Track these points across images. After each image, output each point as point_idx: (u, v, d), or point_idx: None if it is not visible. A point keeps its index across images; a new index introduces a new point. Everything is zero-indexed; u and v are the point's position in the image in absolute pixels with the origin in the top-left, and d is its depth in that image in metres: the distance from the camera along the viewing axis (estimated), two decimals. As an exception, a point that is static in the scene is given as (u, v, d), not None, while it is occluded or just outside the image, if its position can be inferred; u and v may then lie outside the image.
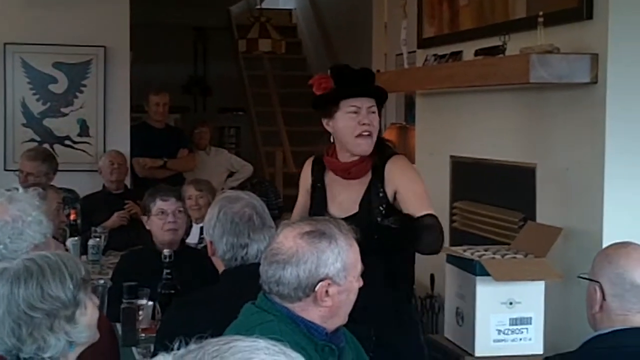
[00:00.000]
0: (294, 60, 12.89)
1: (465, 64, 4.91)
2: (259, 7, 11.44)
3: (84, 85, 7.67)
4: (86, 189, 7.11)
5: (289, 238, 2.63)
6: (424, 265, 4.52)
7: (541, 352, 3.99)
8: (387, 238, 3.67)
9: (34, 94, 7.62)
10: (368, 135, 3.78)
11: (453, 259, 4.19)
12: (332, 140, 3.90)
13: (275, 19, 11.67)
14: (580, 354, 2.89)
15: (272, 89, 12.06)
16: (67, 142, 7.67)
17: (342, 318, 2.70)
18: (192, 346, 1.43)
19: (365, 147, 3.79)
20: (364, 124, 3.76)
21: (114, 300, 4.21)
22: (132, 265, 4.70)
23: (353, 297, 2.70)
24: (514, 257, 4.11)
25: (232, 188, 6.95)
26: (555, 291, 4.15)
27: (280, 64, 12.75)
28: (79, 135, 7.69)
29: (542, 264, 4.06)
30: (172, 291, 4.06)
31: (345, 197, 3.84)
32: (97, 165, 7.27)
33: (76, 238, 5.74)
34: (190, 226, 5.77)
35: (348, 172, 3.84)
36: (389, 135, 6.58)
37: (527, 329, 4.03)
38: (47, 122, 7.65)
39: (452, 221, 5.40)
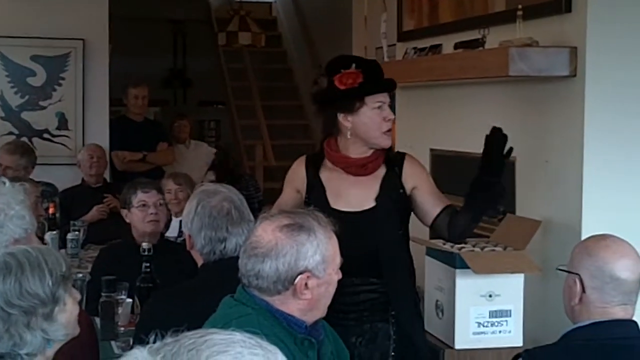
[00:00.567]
0: (274, 53, 12.88)
1: (445, 57, 4.91)
2: (238, 0, 11.43)
3: (63, 79, 7.64)
4: (65, 183, 7.09)
5: (267, 231, 2.62)
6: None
7: (521, 345, 4.00)
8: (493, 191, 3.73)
9: (12, 87, 7.58)
10: (391, 130, 3.82)
11: (433, 252, 4.20)
12: (330, 134, 3.86)
13: (255, 12, 11.66)
14: (559, 346, 2.90)
15: (252, 82, 12.04)
16: (46, 135, 7.64)
17: (321, 311, 2.70)
18: (168, 339, 1.42)
19: (388, 141, 3.83)
20: (389, 120, 3.77)
21: (94, 295, 4.20)
22: (112, 259, 4.69)
23: (332, 289, 2.70)
24: (494, 250, 4.12)
25: (212, 181, 6.93)
26: (534, 283, 4.16)
27: (261, 57, 12.73)
28: (58, 128, 7.66)
29: (522, 256, 4.07)
30: (151, 285, 4.06)
31: (355, 193, 3.80)
32: (76, 159, 7.24)
33: (55, 232, 5.72)
34: (170, 220, 5.75)
35: (365, 168, 3.81)
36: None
37: (506, 321, 4.04)
38: (25, 115, 7.62)
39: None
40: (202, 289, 3.18)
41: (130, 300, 4.10)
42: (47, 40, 7.55)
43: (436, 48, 5.26)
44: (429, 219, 3.84)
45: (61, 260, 2.63)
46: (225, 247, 3.28)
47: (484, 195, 3.71)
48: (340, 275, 2.72)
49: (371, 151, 3.80)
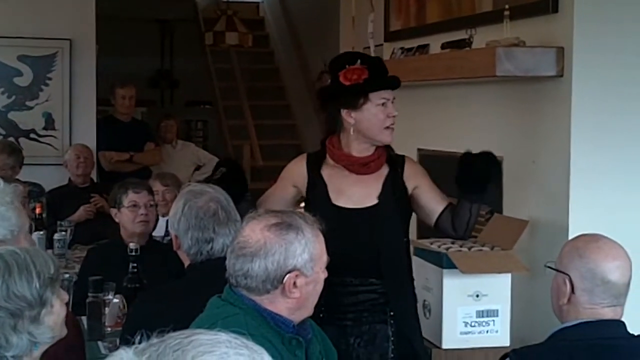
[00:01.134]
0: (261, 53, 12.87)
1: (432, 57, 4.91)
2: (225, 0, 11.41)
3: (50, 79, 7.62)
4: (52, 183, 7.08)
5: (255, 231, 2.62)
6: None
7: (508, 344, 4.00)
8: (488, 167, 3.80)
9: (-1, 87, 7.57)
10: (393, 127, 3.84)
11: (420, 252, 4.20)
12: (333, 132, 3.86)
13: (243, 12, 11.65)
14: (546, 346, 2.89)
15: (239, 82, 12.04)
16: (33, 135, 7.62)
17: (309, 309, 2.70)
18: (154, 340, 1.42)
19: (390, 137, 3.85)
20: (392, 116, 3.80)
21: (81, 295, 4.19)
22: (99, 259, 4.68)
23: (319, 288, 2.70)
24: (481, 250, 4.12)
25: (199, 182, 6.92)
26: (521, 283, 4.17)
27: (248, 57, 12.72)
28: (45, 128, 7.64)
29: (509, 256, 4.07)
30: (138, 285, 4.05)
31: (357, 190, 3.81)
32: (63, 159, 7.23)
33: (42, 232, 5.71)
34: (157, 220, 5.74)
35: (367, 167, 3.82)
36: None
37: (493, 321, 4.04)
38: (12, 115, 7.60)
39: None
40: (189, 290, 3.17)
41: (117, 300, 4.09)
42: (34, 40, 7.53)
43: (423, 48, 5.26)
44: (432, 218, 3.90)
45: (49, 262, 2.61)
46: (212, 247, 3.28)
47: (474, 189, 3.79)
48: (326, 274, 2.72)
49: (373, 149, 3.81)
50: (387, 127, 3.80)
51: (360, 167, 3.80)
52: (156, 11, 13.45)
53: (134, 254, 4.10)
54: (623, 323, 2.86)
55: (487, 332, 4.04)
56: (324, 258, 2.70)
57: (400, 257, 3.79)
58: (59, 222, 6.05)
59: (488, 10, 4.62)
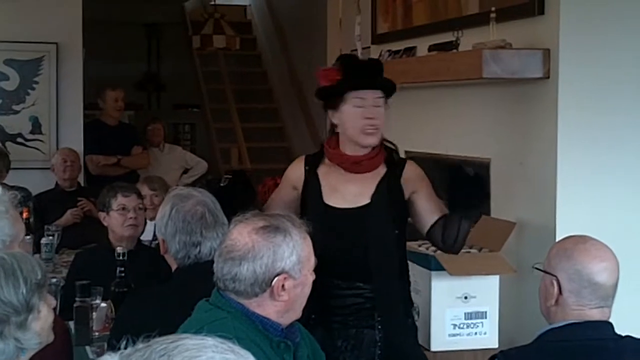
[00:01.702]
0: (248, 56, 12.86)
1: (419, 60, 4.92)
2: (213, 3, 11.40)
3: (36, 82, 7.59)
4: (39, 187, 7.05)
5: (243, 234, 2.62)
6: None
7: (496, 346, 4.01)
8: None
9: (-15, 91, 7.54)
10: (373, 131, 3.70)
11: (408, 254, 4.19)
12: (333, 132, 3.82)
13: (230, 15, 11.64)
14: (534, 347, 2.90)
15: (227, 85, 12.02)
16: (19, 139, 7.59)
17: (297, 312, 2.70)
18: (140, 345, 1.41)
19: (372, 140, 3.72)
20: (368, 118, 3.67)
21: (69, 299, 4.18)
22: (87, 263, 4.67)
23: (307, 290, 2.70)
24: (469, 252, 4.13)
25: (186, 185, 6.91)
26: (509, 285, 4.18)
27: (235, 60, 12.70)
28: (31, 132, 7.62)
29: (497, 258, 4.08)
30: (126, 289, 4.04)
31: (351, 189, 3.75)
32: (50, 163, 7.21)
33: (29, 236, 5.68)
34: (145, 224, 5.73)
35: (359, 166, 3.75)
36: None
37: (482, 323, 4.05)
38: (-2, 119, 7.58)
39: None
40: (177, 294, 3.17)
41: (104, 305, 4.08)
42: (21, 44, 7.51)
43: (410, 50, 5.27)
44: (424, 227, 3.76)
45: (37, 268, 2.59)
46: (200, 251, 3.27)
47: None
48: (314, 276, 2.71)
49: (366, 150, 3.75)
50: (366, 130, 3.68)
51: (352, 165, 3.75)
52: (143, 14, 13.44)
53: (121, 258, 4.09)
54: (610, 324, 2.87)
55: (476, 333, 4.05)
56: (312, 260, 2.69)
57: (390, 260, 3.69)
58: (46, 227, 6.03)
59: (474, 13, 4.63)
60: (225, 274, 2.61)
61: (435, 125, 5.18)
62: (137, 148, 7.92)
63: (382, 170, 3.76)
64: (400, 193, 3.74)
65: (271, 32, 12.34)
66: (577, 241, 2.91)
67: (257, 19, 13.26)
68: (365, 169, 3.75)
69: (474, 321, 4.04)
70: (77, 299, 4.00)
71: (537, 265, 3.00)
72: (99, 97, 7.92)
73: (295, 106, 11.03)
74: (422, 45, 5.09)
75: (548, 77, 4.10)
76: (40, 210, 6.57)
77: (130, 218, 4.70)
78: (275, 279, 2.59)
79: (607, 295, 2.85)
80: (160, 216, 3.35)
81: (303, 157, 3.92)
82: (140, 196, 4.94)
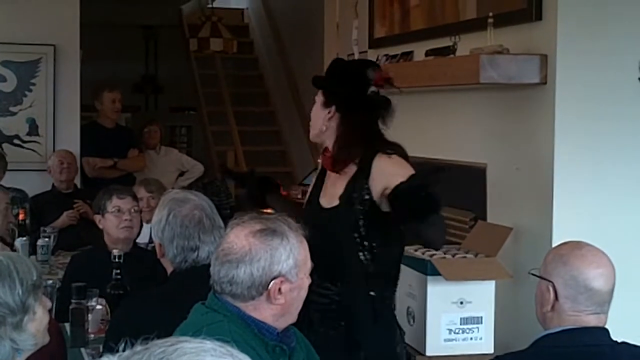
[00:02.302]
0: (245, 59, 12.87)
1: (416, 65, 4.92)
2: (210, 6, 11.41)
3: (33, 84, 7.60)
4: (35, 189, 7.06)
5: (240, 237, 2.62)
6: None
7: (492, 351, 4.01)
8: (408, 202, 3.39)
9: (-18, 93, 7.54)
10: (310, 128, 3.82)
11: (404, 259, 4.20)
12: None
13: (227, 19, 11.65)
14: (530, 352, 2.90)
15: (223, 88, 12.03)
16: (16, 141, 7.60)
17: (293, 316, 2.70)
18: (138, 347, 1.41)
19: (311, 136, 3.84)
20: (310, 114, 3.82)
21: (65, 301, 4.18)
22: (83, 265, 4.67)
23: (304, 294, 2.70)
24: (465, 257, 4.13)
25: (183, 187, 6.91)
26: (505, 290, 4.18)
27: (232, 63, 12.71)
28: (28, 134, 7.62)
29: (493, 263, 4.08)
30: (121, 292, 4.04)
31: (332, 190, 3.73)
32: (47, 165, 7.21)
33: (25, 238, 5.69)
34: (141, 226, 5.73)
35: (332, 165, 3.73)
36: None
37: (477, 328, 4.04)
38: (-5, 121, 7.58)
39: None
40: (173, 296, 3.17)
41: (100, 307, 4.08)
42: (18, 46, 7.51)
43: (407, 55, 5.27)
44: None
45: (32, 269, 2.60)
46: (198, 255, 3.27)
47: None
48: (310, 280, 2.72)
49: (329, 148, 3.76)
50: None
51: (328, 165, 3.75)
52: (140, 17, 13.45)
53: (117, 260, 4.09)
54: (606, 330, 2.87)
55: (471, 339, 4.05)
56: (308, 264, 2.70)
57: (355, 265, 3.57)
58: (42, 228, 6.03)
59: (472, 18, 4.64)
60: (222, 276, 2.61)
61: (432, 130, 5.19)
62: (134, 151, 7.93)
63: (351, 169, 3.67)
64: (366, 193, 3.59)
65: (268, 35, 12.35)
66: (574, 247, 2.92)
67: (254, 22, 13.26)
68: (328, 168, 3.75)
69: (469, 326, 4.04)
70: (72, 300, 4.00)
71: (533, 271, 3.00)
72: (95, 98, 7.91)
73: (292, 109, 11.04)
74: (419, 50, 5.10)
75: (545, 83, 4.10)
76: (36, 212, 6.58)
77: (125, 220, 4.70)
78: (272, 282, 2.59)
79: (603, 301, 2.85)
80: (157, 220, 3.34)
81: None
82: (135, 199, 4.94)
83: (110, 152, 7.75)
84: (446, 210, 4.91)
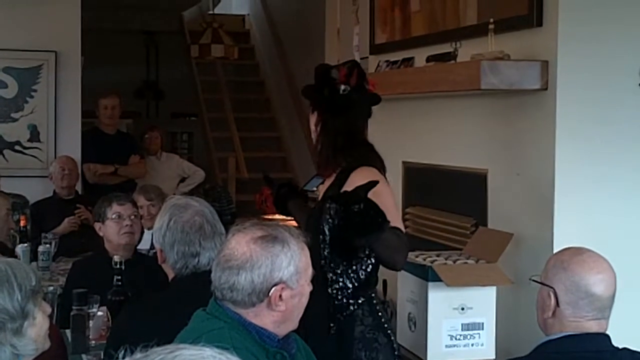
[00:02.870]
0: (246, 65, 12.89)
1: (417, 70, 4.92)
2: (211, 12, 11.42)
3: (35, 90, 7.61)
4: (37, 195, 7.06)
5: (241, 243, 2.61)
6: (376, 271, 4.52)
7: (493, 357, 4.01)
8: (352, 223, 3.27)
9: (-16, 100, 7.55)
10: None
11: (405, 265, 4.20)
12: None
13: (228, 25, 11.66)
14: (531, 358, 2.90)
15: (224, 94, 12.04)
16: (18, 147, 7.61)
17: (294, 323, 2.69)
18: (138, 355, 1.41)
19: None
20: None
21: (67, 308, 4.18)
22: (85, 271, 4.68)
23: (305, 300, 2.70)
24: (466, 263, 4.13)
25: (184, 194, 6.92)
26: (506, 296, 4.17)
27: (233, 69, 12.73)
28: (30, 140, 7.63)
29: (494, 269, 4.08)
30: (122, 298, 4.04)
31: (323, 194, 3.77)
32: (48, 171, 7.21)
33: (26, 244, 5.69)
34: (142, 233, 5.74)
35: (318, 167, 3.81)
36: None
37: (479, 334, 4.04)
38: (-4, 127, 7.59)
39: (404, 227, 5.40)
40: (174, 302, 3.17)
41: (101, 313, 4.08)
42: (20, 52, 7.53)
43: (408, 61, 5.27)
44: None
45: (31, 274, 2.60)
46: (198, 261, 3.28)
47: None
48: (311, 287, 2.71)
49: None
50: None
51: (318, 168, 3.84)
52: (142, 23, 13.46)
53: (118, 266, 4.09)
54: (608, 336, 2.87)
55: (473, 345, 4.04)
56: (309, 271, 2.69)
57: (320, 273, 3.45)
58: (43, 235, 6.04)
59: (473, 24, 4.63)
60: (223, 283, 2.61)
61: (433, 136, 5.19)
62: (135, 157, 7.93)
63: (333, 177, 3.72)
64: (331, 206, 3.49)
65: (269, 41, 12.36)
66: (574, 253, 2.92)
67: (255, 28, 13.28)
68: (323, 173, 3.80)
69: (470, 332, 4.03)
70: (73, 307, 4.00)
71: (534, 277, 3.00)
72: (95, 105, 7.94)
73: (293, 116, 11.05)
74: (420, 56, 5.09)
75: (546, 89, 4.10)
76: (37, 218, 6.58)
77: (126, 226, 4.71)
78: (273, 289, 2.58)
79: (604, 307, 2.85)
80: (158, 226, 3.34)
81: None
82: (135, 205, 4.95)
83: (112, 158, 7.76)
84: (447, 216, 4.93)
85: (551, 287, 2.87)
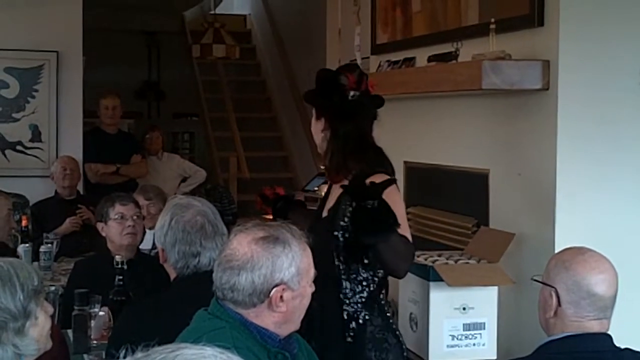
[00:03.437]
0: (248, 65, 12.89)
1: (418, 70, 4.92)
2: (212, 12, 11.42)
3: (36, 90, 7.61)
4: (38, 195, 7.06)
5: (243, 244, 2.61)
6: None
7: (495, 357, 4.01)
8: (363, 221, 3.27)
9: (-15, 99, 7.55)
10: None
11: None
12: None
13: (230, 25, 11.67)
14: (533, 358, 2.90)
15: (226, 94, 12.05)
16: (19, 147, 7.61)
17: (295, 324, 2.69)
18: (139, 354, 1.41)
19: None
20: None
21: (69, 308, 4.18)
22: (87, 271, 4.68)
23: (306, 302, 2.70)
24: (467, 263, 4.13)
25: (185, 194, 6.92)
26: (508, 296, 4.17)
27: (235, 69, 12.74)
28: (31, 140, 7.63)
29: (495, 269, 4.08)
30: (124, 298, 4.04)
31: (331, 200, 3.75)
32: (49, 171, 7.22)
33: (27, 244, 5.69)
34: (144, 233, 5.74)
35: (328, 176, 3.81)
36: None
37: (480, 334, 4.04)
38: (-2, 127, 7.59)
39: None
40: (175, 303, 3.17)
41: (103, 313, 4.08)
42: (21, 52, 7.52)
43: (410, 61, 5.27)
44: None
45: (33, 274, 2.60)
46: (199, 261, 3.27)
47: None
48: (313, 288, 2.71)
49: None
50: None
51: (327, 175, 3.84)
52: (143, 23, 13.46)
53: (120, 266, 4.09)
54: (609, 336, 2.87)
55: (474, 345, 4.04)
56: (311, 272, 2.69)
57: (329, 279, 3.48)
58: (45, 235, 6.04)
59: (474, 24, 4.63)
60: (224, 283, 2.61)
61: (434, 135, 5.19)
62: (136, 157, 7.94)
63: (344, 183, 3.64)
64: (348, 208, 3.50)
65: (271, 41, 12.37)
66: (576, 253, 2.92)
67: (256, 28, 13.29)
68: (331, 179, 3.80)
69: (472, 332, 4.03)
70: (75, 307, 4.00)
71: (535, 277, 3.00)
72: (96, 105, 7.95)
73: (294, 115, 11.05)
74: (421, 55, 5.09)
75: (547, 89, 4.10)
76: (39, 218, 6.58)
77: (129, 226, 4.71)
78: (274, 289, 2.58)
79: (606, 306, 2.85)
80: (160, 225, 3.35)
81: None
82: (137, 205, 4.95)
83: (113, 158, 7.77)
84: (449, 216, 4.93)
85: (553, 287, 2.87)
